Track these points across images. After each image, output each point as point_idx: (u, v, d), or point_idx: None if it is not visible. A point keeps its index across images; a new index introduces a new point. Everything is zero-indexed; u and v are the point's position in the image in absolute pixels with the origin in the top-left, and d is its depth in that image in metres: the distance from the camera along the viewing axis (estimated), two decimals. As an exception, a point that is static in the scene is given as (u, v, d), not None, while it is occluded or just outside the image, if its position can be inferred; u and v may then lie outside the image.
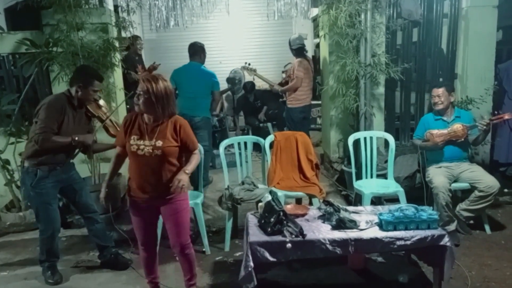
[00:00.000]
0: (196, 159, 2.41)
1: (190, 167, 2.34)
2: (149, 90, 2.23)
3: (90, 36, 3.86)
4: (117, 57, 4.02)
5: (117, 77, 4.19)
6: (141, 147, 2.28)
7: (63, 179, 2.90)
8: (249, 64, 5.37)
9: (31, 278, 3.04)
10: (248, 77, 6.26)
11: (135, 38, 5.25)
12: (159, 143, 2.28)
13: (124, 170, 4.38)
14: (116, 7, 4.32)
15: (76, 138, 2.75)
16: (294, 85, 4.74)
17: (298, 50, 4.81)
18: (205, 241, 3.27)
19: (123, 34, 4.27)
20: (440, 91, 3.47)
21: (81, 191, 3.01)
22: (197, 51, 4.35)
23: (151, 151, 2.27)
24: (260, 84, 6.54)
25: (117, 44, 4.02)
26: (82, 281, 2.98)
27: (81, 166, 3.99)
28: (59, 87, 3.87)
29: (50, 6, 3.65)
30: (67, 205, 4.01)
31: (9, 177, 3.83)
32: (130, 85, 4.64)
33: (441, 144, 3.40)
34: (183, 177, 2.27)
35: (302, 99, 4.85)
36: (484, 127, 3.27)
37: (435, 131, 3.42)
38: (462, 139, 3.39)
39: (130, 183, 2.42)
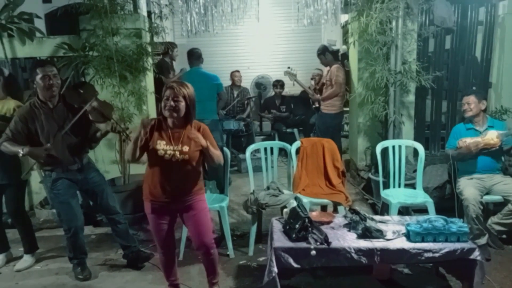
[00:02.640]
0: (218, 153, 2.42)
1: (210, 146, 2.36)
2: (185, 95, 2.31)
3: (124, 41, 3.99)
4: (149, 61, 4.13)
5: (148, 81, 4.30)
6: (168, 152, 2.34)
7: (80, 180, 2.94)
8: (292, 69, 5.40)
9: (62, 273, 3.15)
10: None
11: (173, 45, 5.39)
12: (186, 148, 2.35)
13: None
14: (149, 13, 4.44)
15: (22, 151, 2.64)
16: (334, 92, 4.74)
17: (335, 55, 4.85)
18: (230, 244, 3.30)
19: (155, 39, 4.39)
20: (469, 98, 3.39)
21: (102, 194, 3.05)
22: (198, 56, 4.68)
23: (178, 156, 2.33)
24: (287, 90, 6.54)
25: (149, 49, 4.14)
26: (110, 279, 3.07)
27: (112, 166, 4.13)
28: (94, 89, 4.02)
29: (87, 12, 3.81)
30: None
31: (43, 175, 3.98)
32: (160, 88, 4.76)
33: (475, 150, 3.27)
34: (199, 136, 2.32)
35: (338, 105, 4.84)
36: None
37: (468, 139, 3.30)
38: (496, 147, 3.28)
39: (150, 188, 2.44)
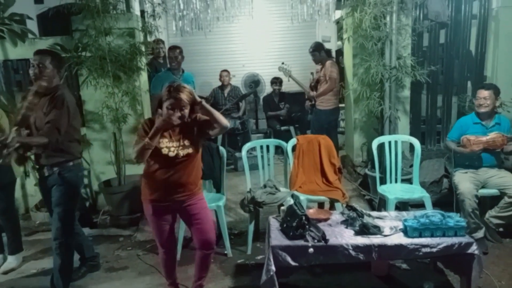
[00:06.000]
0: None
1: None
2: (189, 101, 2.26)
3: (117, 40, 3.96)
4: (143, 61, 4.10)
5: (143, 80, 4.27)
6: (172, 148, 2.32)
7: (44, 188, 2.75)
8: (286, 64, 5.36)
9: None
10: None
11: (156, 42, 5.29)
12: (187, 142, 2.34)
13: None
14: (142, 12, 4.41)
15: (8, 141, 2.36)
16: (329, 87, 4.72)
17: (329, 53, 4.85)
18: (227, 243, 3.28)
19: (149, 39, 4.35)
20: (487, 93, 3.25)
21: (51, 212, 2.73)
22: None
23: (181, 151, 2.32)
24: (284, 87, 6.52)
25: (143, 48, 4.10)
26: (108, 280, 3.05)
27: (107, 167, 4.10)
28: (88, 90, 3.99)
29: (80, 12, 3.77)
30: (93, 205, 4.13)
31: (38, 177, 3.95)
32: None
33: (479, 152, 3.23)
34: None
35: (333, 101, 4.83)
36: None
37: (472, 137, 3.23)
38: (499, 150, 3.26)
39: (151, 189, 2.39)
